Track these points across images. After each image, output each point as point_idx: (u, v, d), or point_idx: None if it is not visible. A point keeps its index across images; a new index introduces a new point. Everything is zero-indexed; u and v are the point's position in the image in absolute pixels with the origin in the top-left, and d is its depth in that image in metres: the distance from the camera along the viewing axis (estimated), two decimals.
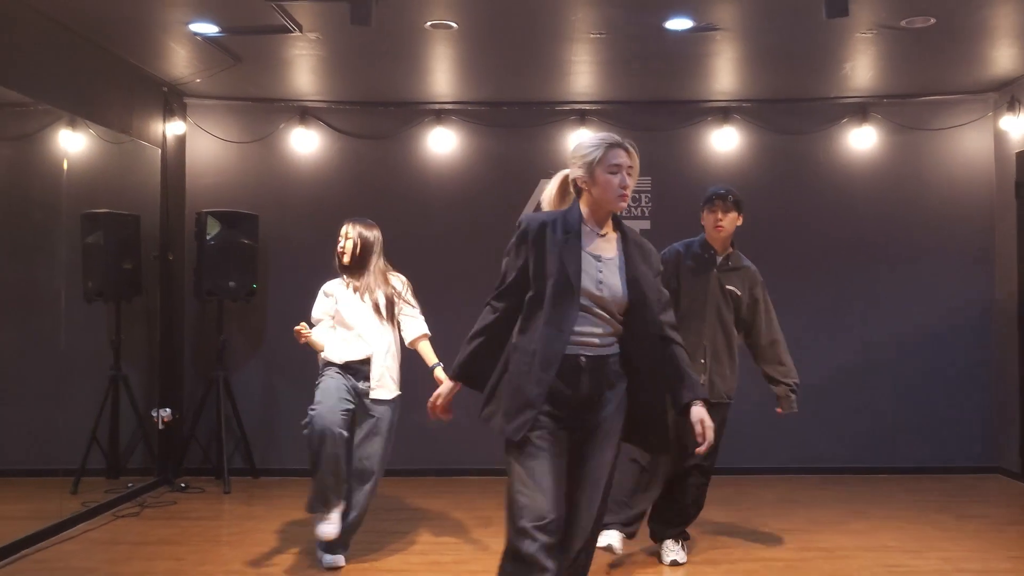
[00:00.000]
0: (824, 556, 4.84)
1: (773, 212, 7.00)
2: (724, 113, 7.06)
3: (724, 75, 6.53)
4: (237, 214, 6.76)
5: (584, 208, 3.19)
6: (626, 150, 3.15)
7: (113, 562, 4.81)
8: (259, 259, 6.90)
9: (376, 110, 7.15)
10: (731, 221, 4.53)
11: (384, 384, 4.66)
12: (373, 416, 4.64)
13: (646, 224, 7.05)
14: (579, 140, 3.35)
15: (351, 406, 4.61)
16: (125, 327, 6.47)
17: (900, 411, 6.99)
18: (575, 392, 3.07)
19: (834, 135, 7.13)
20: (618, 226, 3.24)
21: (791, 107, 7.11)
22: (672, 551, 4.69)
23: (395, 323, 4.78)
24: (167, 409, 6.57)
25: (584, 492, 3.11)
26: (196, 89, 6.82)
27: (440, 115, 7.07)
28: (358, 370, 4.65)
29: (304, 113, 7.06)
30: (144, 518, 5.79)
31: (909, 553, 4.92)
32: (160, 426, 6.53)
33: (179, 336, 7.02)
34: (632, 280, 3.13)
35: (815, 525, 5.49)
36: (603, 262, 3.14)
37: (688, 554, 4.78)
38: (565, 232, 3.11)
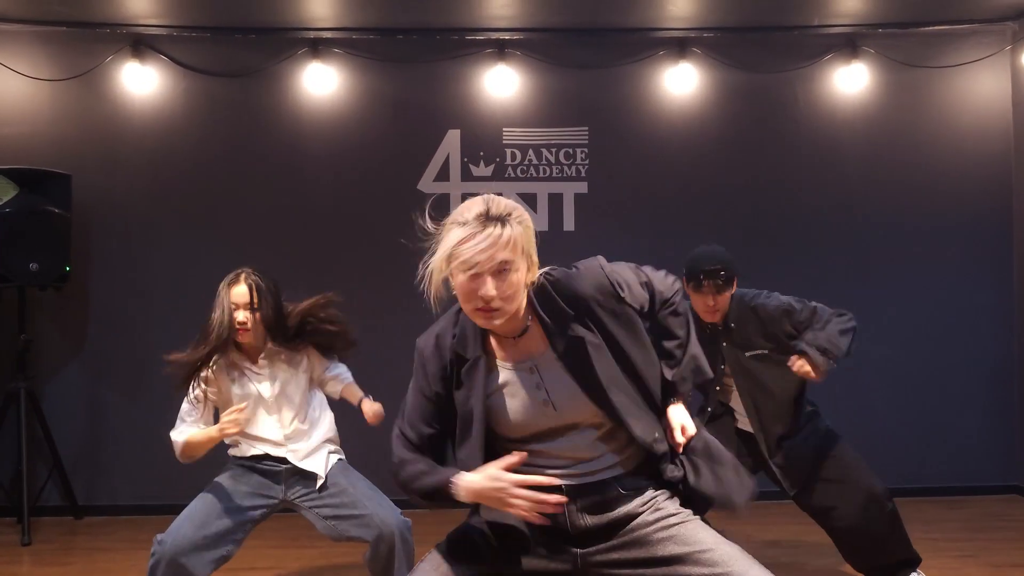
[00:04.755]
0: None
1: (739, 171, 6.07)
2: (680, 45, 5.99)
3: None
4: (41, 173, 5.57)
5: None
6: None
7: None
8: (74, 232, 5.66)
9: (232, 39, 5.99)
10: (726, 299, 3.92)
11: None
12: None
13: (583, 187, 6.09)
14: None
15: None
16: None
17: (901, 420, 5.98)
18: None
19: (816, 74, 6.13)
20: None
21: (763, 38, 6.11)
22: None
23: None
24: None
25: None
26: None
27: (317, 46, 5.89)
28: None
29: (138, 43, 5.87)
30: None
31: None
32: None
33: None
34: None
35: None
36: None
37: None
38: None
